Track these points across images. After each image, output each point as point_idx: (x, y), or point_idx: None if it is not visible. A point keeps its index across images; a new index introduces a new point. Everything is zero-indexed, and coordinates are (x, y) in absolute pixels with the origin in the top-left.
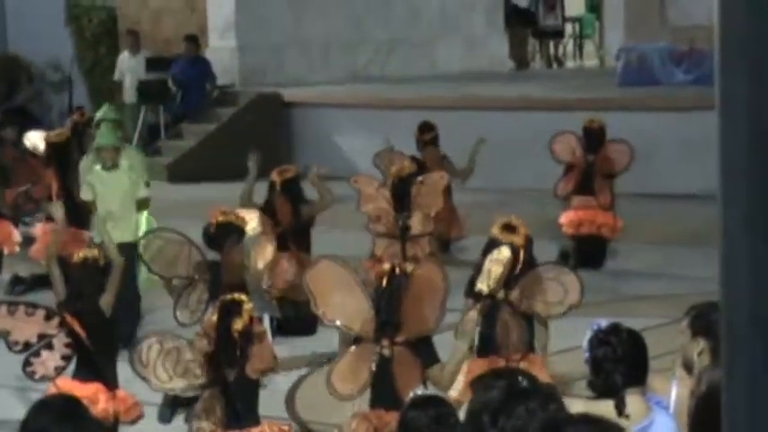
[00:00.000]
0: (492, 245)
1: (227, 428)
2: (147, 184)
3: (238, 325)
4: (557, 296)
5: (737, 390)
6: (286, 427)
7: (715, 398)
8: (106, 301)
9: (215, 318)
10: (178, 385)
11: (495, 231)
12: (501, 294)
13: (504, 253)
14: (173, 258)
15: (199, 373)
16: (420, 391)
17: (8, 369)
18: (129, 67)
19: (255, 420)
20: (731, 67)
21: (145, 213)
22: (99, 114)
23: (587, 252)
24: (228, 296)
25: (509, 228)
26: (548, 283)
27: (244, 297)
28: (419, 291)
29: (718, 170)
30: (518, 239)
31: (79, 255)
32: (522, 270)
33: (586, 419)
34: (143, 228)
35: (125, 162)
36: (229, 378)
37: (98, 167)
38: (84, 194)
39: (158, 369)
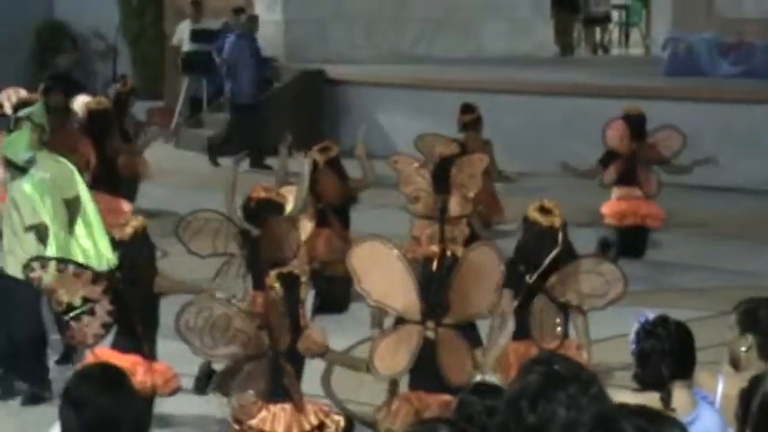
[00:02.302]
0: (530, 227)
1: (270, 401)
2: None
3: (303, 294)
4: (598, 289)
5: None
6: (326, 408)
7: None
8: (161, 285)
9: (278, 286)
10: (222, 353)
11: (533, 213)
12: (538, 282)
13: None
14: (212, 236)
15: (246, 342)
16: (488, 377)
17: None
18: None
19: (300, 396)
20: None
21: (51, 240)
22: (24, 111)
23: (629, 242)
24: (285, 270)
25: (544, 210)
26: (588, 275)
27: (296, 271)
28: (470, 274)
29: None
30: (557, 221)
31: (127, 228)
32: (561, 254)
33: (643, 412)
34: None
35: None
36: (282, 349)
37: None
38: None
39: (205, 336)
